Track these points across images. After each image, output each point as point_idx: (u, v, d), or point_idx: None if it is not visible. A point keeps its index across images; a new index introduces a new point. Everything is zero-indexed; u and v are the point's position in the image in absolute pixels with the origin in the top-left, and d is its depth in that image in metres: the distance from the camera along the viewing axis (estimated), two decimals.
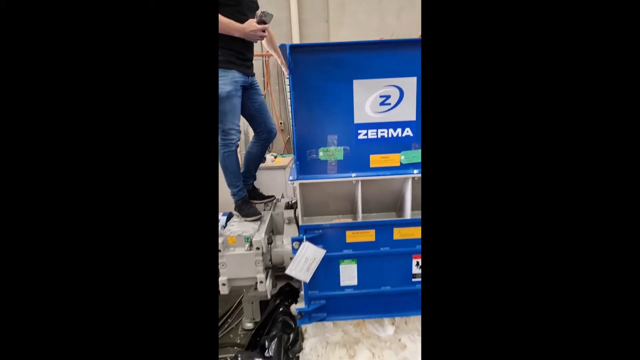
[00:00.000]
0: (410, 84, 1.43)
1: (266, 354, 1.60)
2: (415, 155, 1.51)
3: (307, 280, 1.56)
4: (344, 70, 1.39)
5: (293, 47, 1.34)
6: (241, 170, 2.01)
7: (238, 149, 1.88)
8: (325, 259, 1.56)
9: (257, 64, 1.95)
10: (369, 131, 1.47)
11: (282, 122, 4.38)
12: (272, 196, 2.15)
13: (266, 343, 1.62)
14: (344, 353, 1.61)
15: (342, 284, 1.60)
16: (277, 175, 3.26)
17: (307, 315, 1.60)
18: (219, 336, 2.20)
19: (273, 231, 1.97)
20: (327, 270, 1.57)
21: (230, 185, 1.92)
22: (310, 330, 1.73)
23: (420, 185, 1.54)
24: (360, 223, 1.57)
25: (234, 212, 2.00)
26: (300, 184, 1.50)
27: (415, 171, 1.51)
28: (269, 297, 1.80)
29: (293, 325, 1.71)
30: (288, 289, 1.97)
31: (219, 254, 1.68)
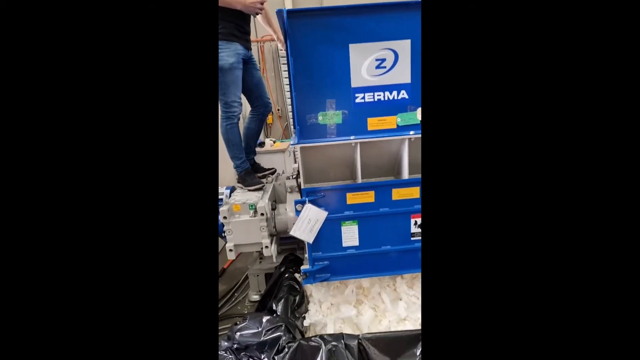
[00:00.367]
0: (404, 47, 1.47)
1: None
2: (412, 117, 1.56)
3: (311, 241, 1.62)
4: (340, 34, 1.43)
5: (290, 12, 1.38)
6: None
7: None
8: (327, 221, 1.62)
9: (252, 49, 1.99)
10: (366, 95, 1.52)
11: (279, 108, 4.41)
12: (273, 168, 2.20)
13: (274, 305, 1.68)
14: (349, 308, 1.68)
15: (344, 244, 1.67)
16: (276, 158, 3.48)
17: (312, 275, 1.67)
18: (227, 309, 2.27)
19: (276, 200, 2.03)
20: (329, 231, 1.64)
21: (233, 157, 1.97)
22: (314, 294, 1.80)
23: (416, 147, 1.59)
24: (359, 185, 1.62)
25: (237, 185, 2.06)
26: (302, 148, 1.55)
27: (412, 132, 1.56)
28: (274, 260, 1.86)
29: (298, 289, 1.77)
30: (292, 257, 2.04)
31: (225, 220, 1.74)
